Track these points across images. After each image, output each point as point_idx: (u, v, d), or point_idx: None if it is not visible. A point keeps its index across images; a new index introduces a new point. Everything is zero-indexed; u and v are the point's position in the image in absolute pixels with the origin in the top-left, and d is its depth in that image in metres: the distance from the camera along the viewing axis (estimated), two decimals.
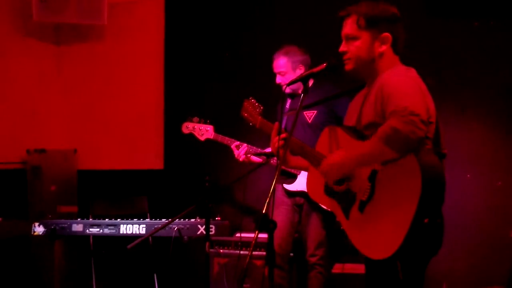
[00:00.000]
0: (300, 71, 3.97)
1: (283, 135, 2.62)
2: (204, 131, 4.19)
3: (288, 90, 4.00)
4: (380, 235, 2.27)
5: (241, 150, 4.04)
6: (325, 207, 2.75)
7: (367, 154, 2.31)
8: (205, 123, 4.21)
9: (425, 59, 4.28)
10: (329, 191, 2.54)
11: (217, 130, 4.18)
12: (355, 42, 2.47)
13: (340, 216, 2.47)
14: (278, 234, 3.65)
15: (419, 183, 2.15)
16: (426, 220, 2.19)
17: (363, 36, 2.46)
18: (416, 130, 2.17)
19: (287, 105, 4.10)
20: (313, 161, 2.62)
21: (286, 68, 3.98)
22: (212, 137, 4.18)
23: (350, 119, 2.59)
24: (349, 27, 2.48)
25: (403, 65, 2.51)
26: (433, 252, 2.32)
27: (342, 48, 2.50)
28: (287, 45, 4.05)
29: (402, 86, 2.31)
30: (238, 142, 4.07)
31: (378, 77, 2.46)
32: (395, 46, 2.48)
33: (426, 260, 2.35)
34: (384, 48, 2.46)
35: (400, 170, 2.23)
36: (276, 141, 2.62)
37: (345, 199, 2.45)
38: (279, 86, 4.06)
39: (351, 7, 2.50)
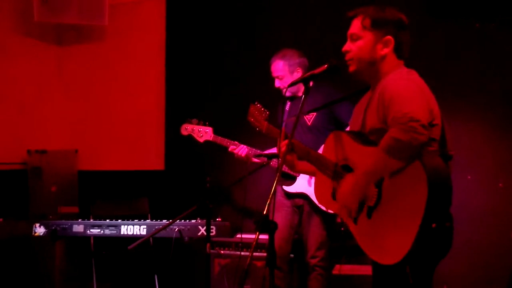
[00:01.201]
0: (298, 74, 3.97)
1: (287, 141, 2.61)
2: (203, 132, 4.18)
3: (288, 93, 4.00)
4: (388, 240, 2.26)
5: (240, 151, 4.03)
6: (333, 212, 2.75)
7: (373, 169, 2.31)
8: (204, 124, 4.19)
9: (425, 60, 4.27)
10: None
11: (217, 132, 4.17)
12: (358, 42, 2.47)
13: (348, 221, 2.47)
14: (278, 235, 3.64)
15: (425, 188, 2.15)
16: (434, 225, 2.19)
17: (366, 37, 2.46)
18: (417, 136, 2.16)
19: (287, 108, 4.09)
20: (320, 167, 2.61)
21: (284, 72, 3.97)
22: (211, 139, 4.16)
23: (355, 124, 2.58)
24: (354, 26, 2.50)
25: (405, 67, 2.50)
26: (442, 255, 2.32)
27: (346, 47, 2.51)
28: (284, 49, 4.04)
29: (402, 91, 2.31)
30: (237, 143, 4.06)
31: (381, 81, 2.46)
32: (398, 51, 2.48)
33: (435, 263, 2.35)
34: (386, 51, 2.46)
35: (406, 176, 2.23)
36: (281, 146, 2.61)
37: None
38: (278, 88, 4.06)
39: (360, 8, 2.52)
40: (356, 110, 2.64)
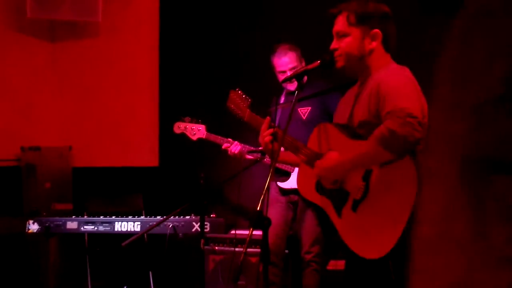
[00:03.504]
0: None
1: (271, 130, 2.60)
2: (196, 130, 4.14)
3: (292, 88, 3.93)
4: (373, 235, 2.27)
5: (234, 148, 4.01)
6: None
7: (363, 156, 2.31)
8: (197, 122, 4.15)
9: (419, 58, 4.27)
10: (320, 189, 2.54)
11: (210, 129, 4.14)
12: (345, 38, 2.48)
13: (332, 214, 2.47)
14: (272, 231, 3.64)
15: (415, 185, 2.16)
16: None
17: (354, 33, 2.47)
18: (414, 133, 2.17)
19: (281, 102, 4.09)
20: (304, 158, 2.61)
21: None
22: (204, 137, 4.13)
23: (341, 117, 2.58)
24: (339, 24, 2.50)
25: (395, 63, 2.51)
26: None
27: (333, 45, 2.51)
28: (282, 44, 4.03)
29: (399, 87, 2.32)
30: (231, 140, 4.04)
31: (371, 75, 2.46)
32: (385, 44, 2.49)
33: None
34: (374, 44, 2.47)
35: (395, 171, 2.23)
36: (265, 135, 2.60)
37: (338, 197, 2.44)
38: (275, 83, 4.04)
39: (342, 4, 2.52)
40: (342, 104, 2.64)
